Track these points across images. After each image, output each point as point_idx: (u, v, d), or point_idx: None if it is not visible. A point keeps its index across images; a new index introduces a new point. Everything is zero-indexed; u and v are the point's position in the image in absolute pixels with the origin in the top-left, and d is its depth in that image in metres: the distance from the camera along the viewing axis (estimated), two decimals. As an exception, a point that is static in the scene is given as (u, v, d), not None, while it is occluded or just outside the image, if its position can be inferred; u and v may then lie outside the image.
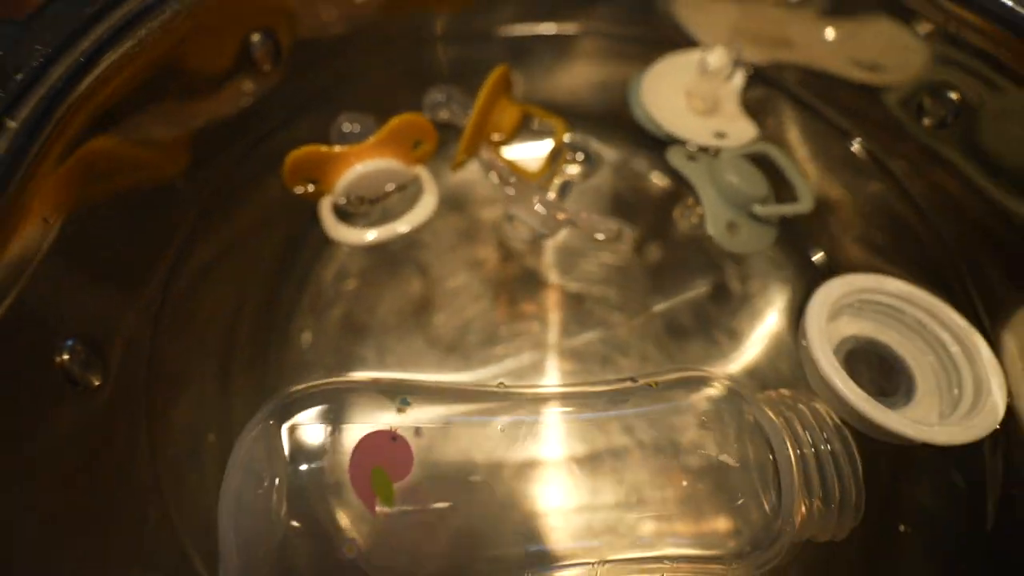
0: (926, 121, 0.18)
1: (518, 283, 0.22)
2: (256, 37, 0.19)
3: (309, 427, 0.13)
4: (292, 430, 0.13)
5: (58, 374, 0.12)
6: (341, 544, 0.12)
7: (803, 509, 0.15)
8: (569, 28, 0.23)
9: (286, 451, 0.13)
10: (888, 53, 0.19)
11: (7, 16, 0.14)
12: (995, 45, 0.16)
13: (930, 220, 0.19)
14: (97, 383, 0.14)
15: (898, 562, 0.16)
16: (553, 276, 0.22)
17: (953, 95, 0.17)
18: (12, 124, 0.13)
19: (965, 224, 0.18)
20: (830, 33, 0.21)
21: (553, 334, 0.21)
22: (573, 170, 0.22)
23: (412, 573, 0.13)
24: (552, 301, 0.22)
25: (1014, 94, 0.16)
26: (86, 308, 0.14)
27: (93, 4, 0.15)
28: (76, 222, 0.14)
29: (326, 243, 0.21)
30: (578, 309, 0.22)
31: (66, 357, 0.13)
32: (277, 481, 0.13)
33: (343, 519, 0.12)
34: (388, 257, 0.22)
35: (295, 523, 0.12)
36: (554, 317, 0.22)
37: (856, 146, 0.21)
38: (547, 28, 0.23)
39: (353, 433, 0.13)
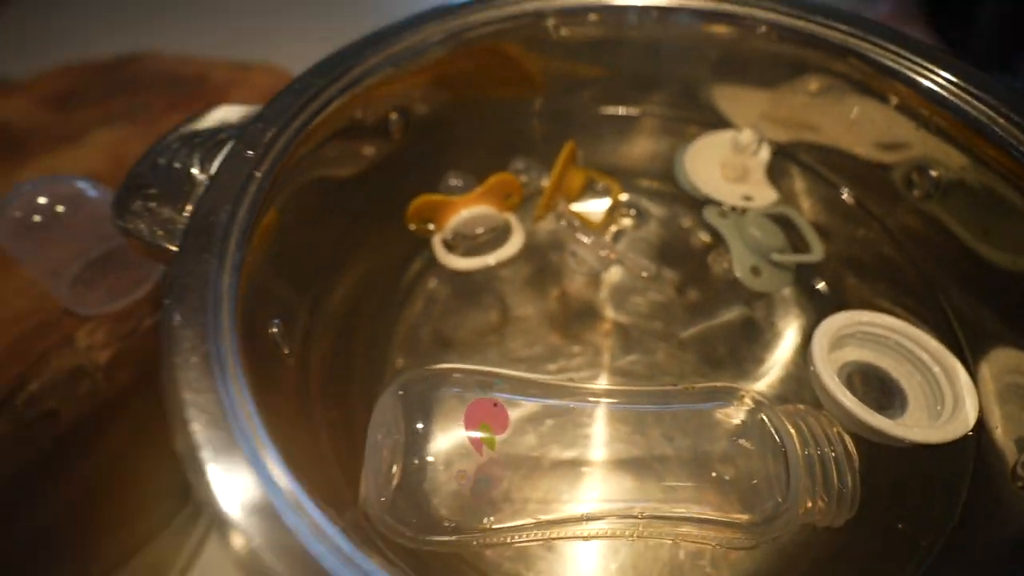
0: (916, 192, 0.23)
1: (577, 314, 0.27)
2: (394, 115, 0.25)
3: (432, 393, 0.18)
4: (420, 395, 0.18)
5: (270, 341, 0.18)
6: (454, 475, 0.17)
7: (808, 498, 0.19)
8: (633, 111, 0.29)
9: (410, 412, 0.18)
10: (887, 137, 0.24)
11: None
12: (965, 138, 0.21)
13: (919, 265, 0.23)
14: (287, 351, 0.19)
15: (882, 549, 0.19)
16: (607, 310, 0.27)
17: (934, 173, 0.22)
18: (257, 174, 0.19)
19: (947, 268, 0.22)
20: (843, 119, 0.26)
21: (605, 356, 0.26)
22: (626, 222, 0.28)
23: (503, 498, 0.17)
24: (605, 330, 0.27)
25: (976, 176, 0.20)
26: (281, 302, 0.20)
27: (302, 96, 0.21)
28: (278, 243, 0.20)
29: (423, 274, 0.27)
30: (626, 337, 0.26)
31: (274, 330, 0.19)
32: (404, 431, 0.18)
33: (457, 458, 0.17)
34: (472, 288, 0.28)
35: (416, 460, 0.17)
36: (606, 343, 0.26)
37: (852, 202, 0.26)
38: (615, 110, 0.29)
39: (464, 400, 0.18)
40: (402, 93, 0.25)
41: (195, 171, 0.21)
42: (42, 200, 0.23)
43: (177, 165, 0.21)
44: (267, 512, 0.12)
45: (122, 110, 0.36)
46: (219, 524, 0.12)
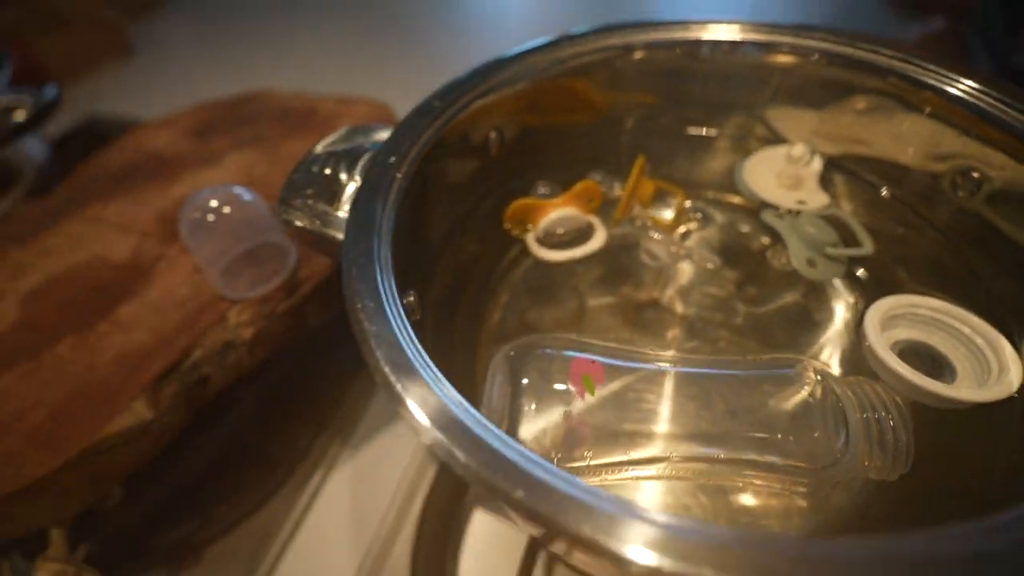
0: (960, 193, 0.26)
1: (647, 305, 0.31)
2: (493, 134, 0.30)
3: (540, 352, 0.22)
4: (530, 354, 0.22)
5: (406, 308, 0.22)
6: (562, 415, 0.21)
7: (865, 455, 0.21)
8: (700, 131, 0.33)
9: (523, 366, 0.22)
10: (929, 147, 0.27)
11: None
12: (1002, 142, 0.24)
13: (964, 257, 0.25)
14: (417, 317, 0.24)
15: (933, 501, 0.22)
16: (675, 304, 0.30)
17: (976, 175, 0.25)
18: (398, 175, 0.24)
19: (991, 259, 0.25)
20: (889, 133, 0.29)
21: (672, 341, 0.29)
22: (693, 225, 0.31)
23: (600, 437, 0.21)
24: (671, 320, 0.30)
25: (1017, 174, 0.23)
26: (411, 279, 0.25)
27: (427, 116, 0.26)
28: (409, 232, 0.25)
29: (513, 267, 0.31)
30: (691, 327, 0.29)
31: (410, 299, 0.23)
32: (524, 380, 0.22)
33: (564, 402, 0.21)
34: (554, 282, 0.32)
35: (533, 405, 0.21)
36: (672, 332, 0.30)
37: (898, 203, 0.29)
38: (685, 130, 0.33)
39: (567, 358, 0.22)
40: (500, 116, 0.30)
41: (343, 176, 0.26)
42: (213, 203, 0.29)
43: (327, 172, 0.26)
44: (445, 411, 0.16)
45: (248, 138, 0.43)
46: (409, 421, 0.16)
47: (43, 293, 0.33)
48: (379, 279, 0.20)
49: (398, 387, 0.16)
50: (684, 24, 0.30)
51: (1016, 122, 0.22)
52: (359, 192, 0.24)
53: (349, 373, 0.38)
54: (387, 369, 0.17)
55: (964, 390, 0.21)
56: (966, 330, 0.23)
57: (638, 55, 0.29)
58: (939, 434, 0.22)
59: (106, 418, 0.26)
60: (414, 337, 0.18)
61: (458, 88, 0.28)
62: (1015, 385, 0.21)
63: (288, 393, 0.37)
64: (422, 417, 0.16)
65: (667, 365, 0.23)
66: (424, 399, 0.16)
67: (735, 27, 0.30)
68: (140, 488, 0.31)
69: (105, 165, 0.43)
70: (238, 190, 0.30)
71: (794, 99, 0.31)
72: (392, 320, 0.18)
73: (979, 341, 0.22)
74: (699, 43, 0.29)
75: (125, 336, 0.29)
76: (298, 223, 0.25)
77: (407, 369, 0.17)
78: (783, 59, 0.29)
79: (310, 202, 0.25)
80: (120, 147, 0.45)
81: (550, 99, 0.30)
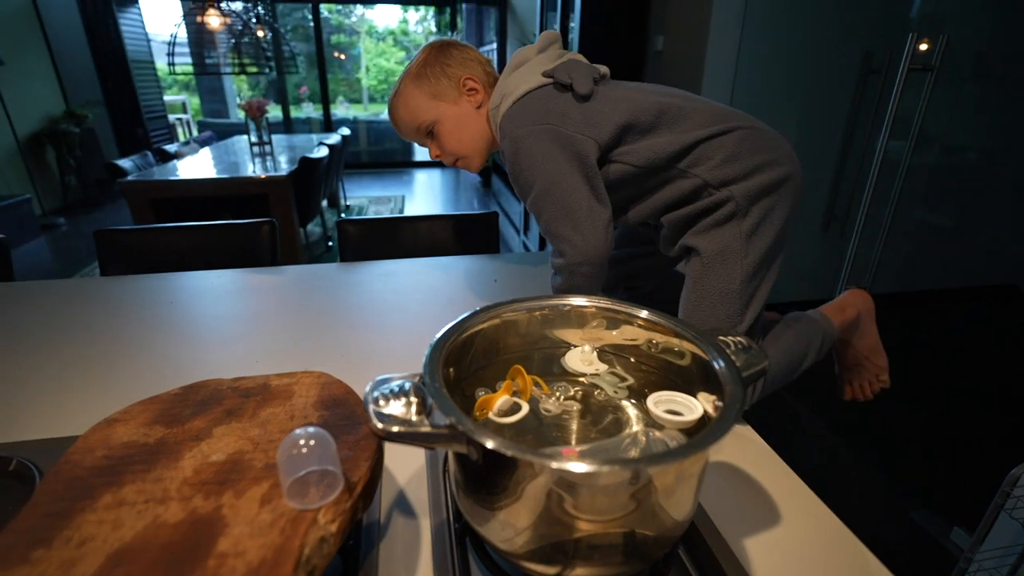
0: (653, 351, 0.62)
1: (550, 426, 0.56)
2: (451, 369, 0.55)
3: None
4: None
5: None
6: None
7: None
8: (557, 351, 0.64)
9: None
10: (639, 335, 0.63)
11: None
12: (662, 330, 0.61)
13: (666, 374, 0.60)
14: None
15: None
16: (562, 423, 0.56)
17: (655, 342, 0.61)
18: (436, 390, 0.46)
19: (675, 372, 0.60)
20: (620, 335, 0.65)
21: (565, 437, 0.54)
22: (558, 392, 0.60)
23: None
24: (562, 429, 0.56)
25: (662, 342, 0.60)
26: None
27: (436, 352, 0.50)
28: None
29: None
30: (569, 431, 0.56)
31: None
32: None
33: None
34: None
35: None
36: (563, 434, 0.55)
37: (634, 358, 0.64)
38: (548, 351, 0.63)
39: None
40: (454, 358, 0.55)
41: (403, 399, 0.46)
42: (301, 440, 0.44)
43: (387, 394, 0.46)
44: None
45: (221, 415, 0.55)
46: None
47: (121, 565, 0.38)
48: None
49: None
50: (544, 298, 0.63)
51: (666, 323, 0.59)
52: (430, 404, 0.44)
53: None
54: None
55: (688, 418, 0.53)
56: (679, 397, 0.55)
57: (538, 316, 0.60)
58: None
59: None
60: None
61: (443, 338, 0.52)
62: (700, 411, 0.53)
63: None
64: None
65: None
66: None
67: (581, 299, 0.64)
68: None
69: (81, 465, 0.48)
70: (311, 428, 0.45)
71: (584, 327, 0.65)
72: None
73: (685, 400, 0.55)
74: (556, 306, 0.62)
75: (240, 559, 0.39)
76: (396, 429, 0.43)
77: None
78: (583, 311, 0.63)
79: (384, 422, 0.44)
80: (82, 450, 0.50)
81: (487, 343, 0.57)
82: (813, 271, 3.21)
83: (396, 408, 0.45)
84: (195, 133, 7.87)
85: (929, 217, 3.29)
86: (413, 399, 0.46)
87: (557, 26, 3.76)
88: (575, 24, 3.39)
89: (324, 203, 4.74)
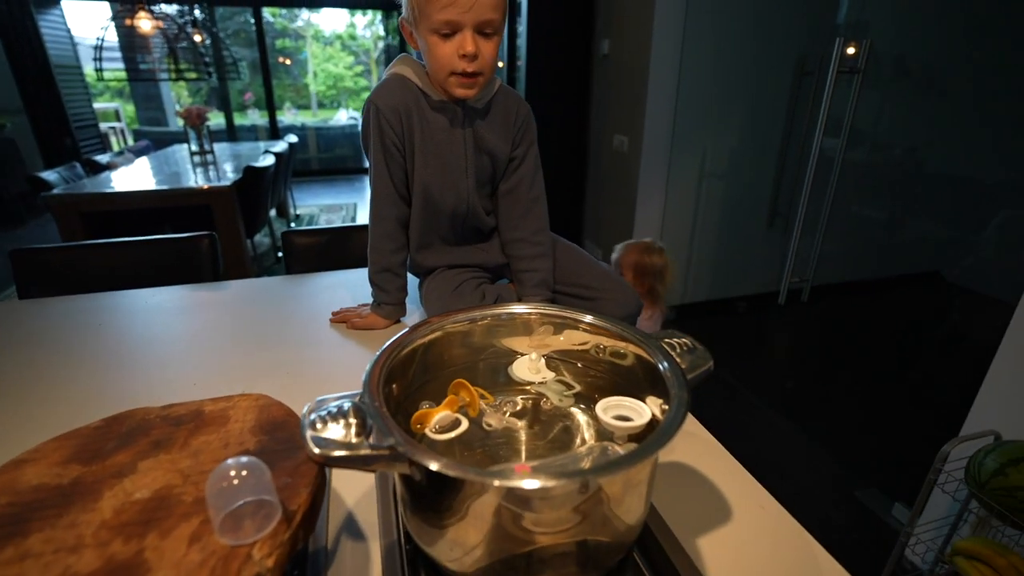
0: (600, 355, 0.62)
1: (495, 440, 0.55)
2: (395, 386, 0.53)
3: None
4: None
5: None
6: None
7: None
8: (501, 361, 0.62)
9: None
10: (585, 340, 0.63)
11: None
12: (613, 336, 0.61)
13: (614, 378, 0.60)
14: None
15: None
16: (509, 438, 0.55)
17: (603, 346, 0.61)
18: (381, 407, 0.44)
19: (622, 374, 0.60)
20: (567, 340, 0.65)
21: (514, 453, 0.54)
22: (505, 406, 0.58)
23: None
24: (508, 444, 0.55)
25: (619, 348, 0.60)
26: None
27: (375, 367, 0.48)
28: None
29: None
30: (515, 443, 0.55)
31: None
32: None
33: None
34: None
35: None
36: (510, 450, 0.54)
37: (582, 365, 0.63)
38: (493, 362, 0.62)
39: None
40: (398, 372, 0.53)
41: (341, 421, 0.44)
42: (232, 472, 0.41)
43: (325, 416, 0.44)
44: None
45: (148, 446, 0.51)
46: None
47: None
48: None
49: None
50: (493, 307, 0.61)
51: (611, 326, 0.59)
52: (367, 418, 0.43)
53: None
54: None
55: (637, 423, 0.53)
56: (627, 402, 0.55)
57: (478, 327, 0.59)
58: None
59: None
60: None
61: (384, 354, 0.50)
62: (648, 416, 0.53)
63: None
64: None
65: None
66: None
67: (523, 307, 0.62)
68: None
69: (-20, 515, 0.43)
70: (244, 458, 0.43)
71: (529, 334, 0.64)
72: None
73: (633, 404, 0.55)
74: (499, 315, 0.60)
75: (165, 608, 0.36)
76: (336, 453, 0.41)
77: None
78: (527, 318, 0.62)
79: (325, 437, 0.42)
80: (-16, 496, 0.45)
81: (433, 358, 0.56)
82: (760, 266, 3.34)
83: (335, 431, 0.43)
84: (130, 142, 7.46)
85: (862, 210, 3.48)
86: (352, 420, 0.44)
87: (504, 30, 3.78)
88: (522, 28, 3.41)
89: (272, 213, 4.59)
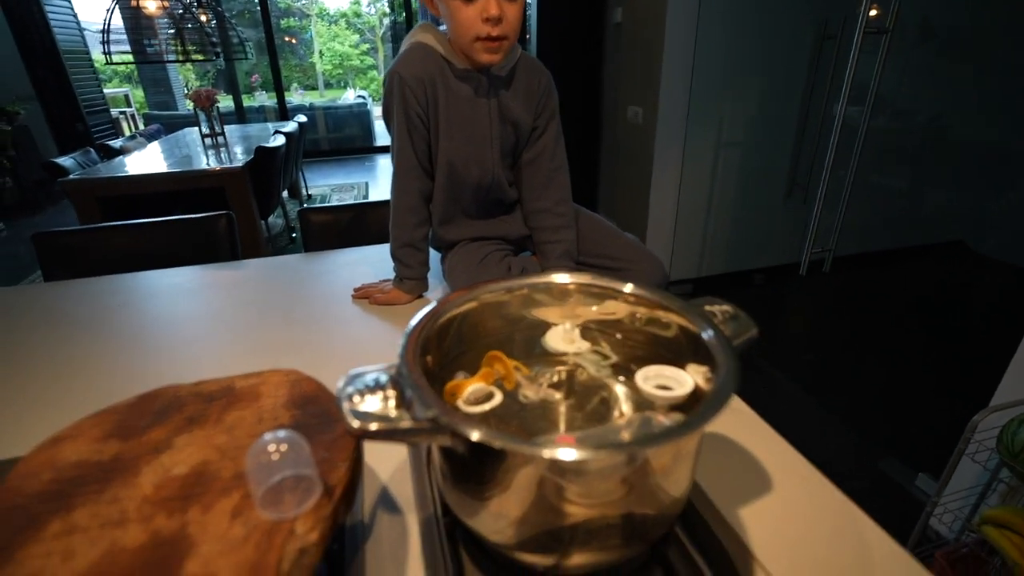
0: (636, 324, 0.60)
1: (531, 416, 0.53)
2: (430, 357, 0.51)
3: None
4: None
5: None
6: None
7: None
8: (535, 333, 0.61)
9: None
10: (622, 309, 0.61)
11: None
12: (647, 306, 0.59)
13: (653, 347, 0.59)
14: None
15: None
16: (549, 409, 0.54)
17: (638, 315, 0.59)
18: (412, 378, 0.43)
19: (665, 344, 0.58)
20: (601, 310, 0.63)
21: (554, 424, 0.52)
22: (543, 377, 0.57)
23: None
24: (548, 414, 0.53)
25: (651, 317, 0.58)
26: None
27: (409, 339, 0.47)
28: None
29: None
30: (556, 414, 0.53)
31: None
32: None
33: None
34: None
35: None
36: (549, 421, 0.53)
37: (619, 334, 0.62)
38: (529, 333, 0.60)
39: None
40: (433, 344, 0.52)
41: (379, 394, 0.43)
42: (272, 446, 0.40)
43: (362, 389, 0.43)
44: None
45: (183, 422, 0.51)
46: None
47: (76, 599, 0.34)
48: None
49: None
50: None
51: (649, 295, 0.57)
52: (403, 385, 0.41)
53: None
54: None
55: (679, 393, 0.51)
56: (668, 371, 0.54)
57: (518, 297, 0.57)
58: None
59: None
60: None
61: (416, 327, 0.49)
62: (691, 385, 0.52)
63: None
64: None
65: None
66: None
67: (562, 276, 0.61)
68: None
69: (23, 491, 0.43)
70: (282, 432, 0.42)
71: (565, 303, 0.62)
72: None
73: (675, 374, 0.53)
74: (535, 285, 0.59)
75: (211, 581, 0.35)
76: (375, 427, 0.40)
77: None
78: (564, 288, 0.60)
79: (361, 410, 0.41)
80: (24, 474, 0.45)
81: (468, 328, 0.54)
82: (778, 238, 3.27)
83: (373, 404, 0.42)
84: (141, 127, 7.47)
85: (884, 180, 3.38)
86: (390, 393, 0.43)
87: (514, 1, 3.67)
88: (532, -3, 3.31)
89: (285, 194, 4.58)
